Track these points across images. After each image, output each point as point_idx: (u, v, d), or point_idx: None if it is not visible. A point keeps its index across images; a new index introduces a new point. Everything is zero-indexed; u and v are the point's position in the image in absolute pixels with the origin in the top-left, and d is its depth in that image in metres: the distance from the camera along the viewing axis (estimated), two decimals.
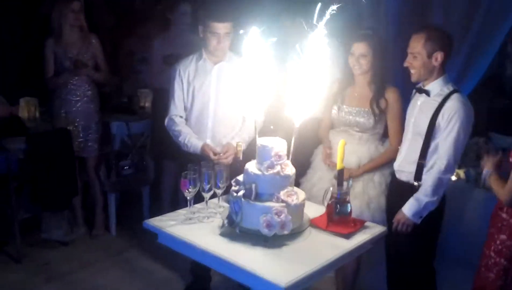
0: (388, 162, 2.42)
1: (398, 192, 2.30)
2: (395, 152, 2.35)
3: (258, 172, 1.84)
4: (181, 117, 2.56)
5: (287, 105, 1.85)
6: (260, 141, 1.89)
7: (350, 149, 2.37)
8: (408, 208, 2.12)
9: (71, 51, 3.18)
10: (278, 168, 1.82)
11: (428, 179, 2.11)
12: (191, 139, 2.49)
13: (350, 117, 2.45)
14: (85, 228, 3.48)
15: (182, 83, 2.53)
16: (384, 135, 2.53)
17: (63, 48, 3.17)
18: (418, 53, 2.11)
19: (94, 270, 3.04)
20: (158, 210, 2.90)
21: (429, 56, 2.10)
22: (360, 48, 2.37)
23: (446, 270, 2.75)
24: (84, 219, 3.51)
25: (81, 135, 3.25)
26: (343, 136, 2.44)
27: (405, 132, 2.30)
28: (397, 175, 2.29)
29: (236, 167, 2.12)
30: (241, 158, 2.13)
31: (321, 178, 2.51)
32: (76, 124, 3.23)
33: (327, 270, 1.73)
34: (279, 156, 1.82)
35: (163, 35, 3.46)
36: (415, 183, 2.17)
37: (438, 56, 2.10)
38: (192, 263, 2.65)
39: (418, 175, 2.16)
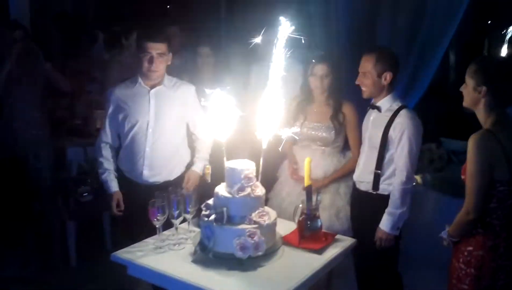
0: (351, 171, 2.50)
1: (358, 201, 2.41)
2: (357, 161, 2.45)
3: (229, 195, 1.83)
4: (110, 146, 2.45)
5: (255, 127, 1.87)
6: (229, 164, 1.88)
7: (315, 163, 2.45)
8: (385, 224, 2.22)
9: (14, 79, 3.05)
10: (248, 190, 1.82)
11: (395, 192, 2.22)
12: (108, 177, 2.41)
13: (313, 132, 2.54)
14: (41, 261, 3.28)
15: (114, 109, 2.39)
16: (344, 148, 2.64)
17: (6, 76, 3.05)
18: (368, 72, 2.24)
19: None
20: (121, 236, 2.79)
21: (379, 76, 2.24)
22: (322, 69, 2.50)
23: (411, 270, 2.87)
24: (40, 250, 3.31)
25: (30, 163, 3.09)
26: (307, 151, 2.52)
27: (362, 146, 2.42)
28: (357, 186, 2.40)
29: (205, 190, 2.09)
30: (209, 180, 2.11)
31: (290, 193, 2.56)
32: (25, 152, 3.07)
33: (303, 287, 1.74)
34: (249, 178, 1.82)
35: (118, 58, 3.40)
36: (374, 192, 2.29)
37: (387, 76, 2.24)
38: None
39: (376, 185, 2.29)
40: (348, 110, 2.55)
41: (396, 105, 2.27)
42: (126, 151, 2.42)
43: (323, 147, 2.56)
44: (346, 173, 2.53)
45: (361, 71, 2.27)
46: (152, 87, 2.39)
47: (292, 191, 2.55)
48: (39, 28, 3.85)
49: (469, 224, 1.78)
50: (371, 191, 2.30)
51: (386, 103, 2.28)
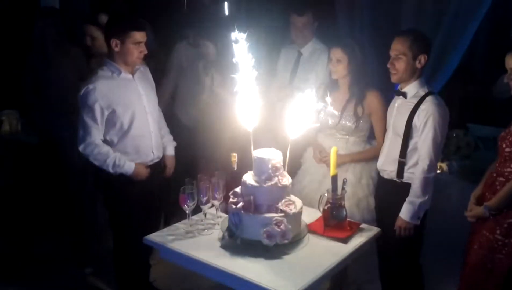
0: (374, 158, 2.49)
1: (383, 189, 2.41)
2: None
3: (256, 184, 1.87)
4: (101, 140, 2.36)
5: (283, 117, 1.89)
6: (256, 153, 1.92)
7: (340, 150, 2.46)
8: (405, 213, 2.21)
9: (51, 65, 3.11)
10: (275, 179, 1.86)
11: (416, 181, 2.20)
12: (121, 158, 2.34)
13: (336, 120, 2.52)
14: (77, 242, 3.44)
15: (107, 106, 2.30)
16: (370, 137, 2.61)
17: (43, 62, 3.10)
18: (403, 54, 2.18)
19: (89, 283, 3.03)
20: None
21: (414, 58, 2.18)
22: (336, 53, 2.45)
23: (435, 258, 2.87)
24: (73, 231, 3.46)
25: (68, 148, 3.19)
26: (330, 139, 2.53)
27: (386, 133, 2.40)
28: (381, 174, 2.40)
29: (232, 177, 2.14)
30: (235, 168, 2.15)
31: (312, 180, 2.59)
32: (61, 137, 3.17)
33: (329, 275, 1.80)
34: (276, 168, 1.86)
35: None
36: (398, 180, 2.28)
37: (422, 58, 2.19)
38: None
39: (400, 173, 2.27)
40: (373, 99, 2.50)
41: (422, 92, 2.22)
42: (131, 140, 2.39)
43: (347, 136, 2.54)
44: (369, 158, 2.50)
45: (394, 54, 2.21)
46: (132, 73, 2.42)
47: (314, 179, 2.57)
48: (69, 15, 3.90)
49: None
50: (395, 179, 2.29)
51: (413, 89, 2.24)
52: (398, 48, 2.19)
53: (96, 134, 2.34)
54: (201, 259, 1.83)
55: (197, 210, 2.08)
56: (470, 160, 3.10)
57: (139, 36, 2.31)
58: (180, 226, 2.07)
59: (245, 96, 1.91)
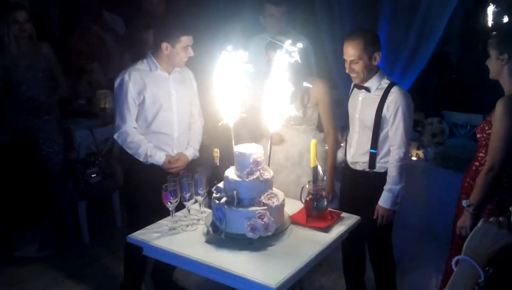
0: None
1: (353, 180, 2.44)
2: (335, 139, 2.60)
3: (239, 179, 1.89)
4: (135, 128, 2.47)
5: (262, 112, 1.91)
6: (238, 148, 1.93)
7: (291, 141, 2.57)
8: (386, 201, 2.29)
9: (21, 63, 3.03)
10: (257, 173, 1.88)
11: (393, 169, 2.28)
12: (153, 149, 2.46)
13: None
14: (57, 241, 3.40)
15: (138, 93, 2.42)
16: (320, 125, 2.67)
17: (12, 61, 3.02)
18: (358, 58, 2.22)
19: (71, 283, 3.00)
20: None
21: (370, 58, 2.24)
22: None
23: (412, 242, 2.98)
24: (54, 230, 3.42)
25: (43, 148, 3.14)
26: (282, 129, 2.50)
27: (351, 127, 2.44)
28: (352, 166, 2.43)
29: (214, 173, 2.16)
30: (218, 163, 2.17)
31: (278, 171, 2.55)
32: (37, 138, 3.11)
33: (312, 263, 1.84)
34: (257, 162, 1.88)
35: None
36: (370, 171, 2.35)
37: (377, 56, 2.26)
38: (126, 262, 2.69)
39: (372, 163, 2.34)
40: (318, 88, 2.51)
41: (385, 83, 2.29)
42: (155, 136, 2.49)
43: (298, 126, 2.58)
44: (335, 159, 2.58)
45: (349, 59, 2.24)
46: (169, 72, 2.50)
47: (280, 170, 2.57)
48: (38, 7, 3.80)
49: (493, 179, 1.95)
50: (368, 170, 2.35)
51: (375, 82, 2.29)
52: (352, 53, 2.23)
53: (130, 122, 2.44)
54: (186, 255, 1.84)
55: (180, 206, 2.09)
56: (445, 146, 3.20)
57: (188, 40, 2.41)
58: (164, 223, 2.07)
59: (228, 89, 1.92)
